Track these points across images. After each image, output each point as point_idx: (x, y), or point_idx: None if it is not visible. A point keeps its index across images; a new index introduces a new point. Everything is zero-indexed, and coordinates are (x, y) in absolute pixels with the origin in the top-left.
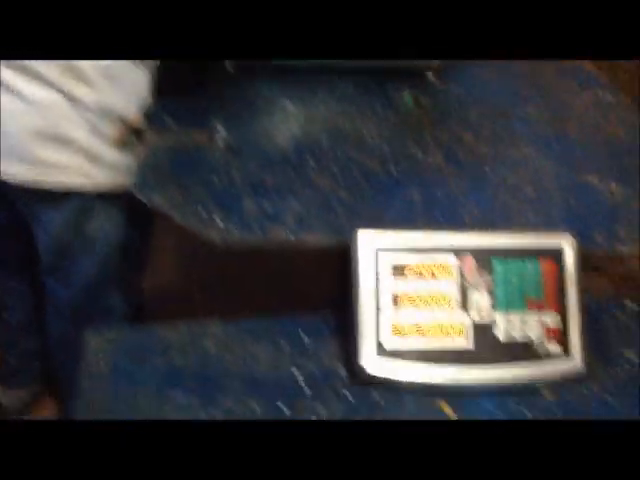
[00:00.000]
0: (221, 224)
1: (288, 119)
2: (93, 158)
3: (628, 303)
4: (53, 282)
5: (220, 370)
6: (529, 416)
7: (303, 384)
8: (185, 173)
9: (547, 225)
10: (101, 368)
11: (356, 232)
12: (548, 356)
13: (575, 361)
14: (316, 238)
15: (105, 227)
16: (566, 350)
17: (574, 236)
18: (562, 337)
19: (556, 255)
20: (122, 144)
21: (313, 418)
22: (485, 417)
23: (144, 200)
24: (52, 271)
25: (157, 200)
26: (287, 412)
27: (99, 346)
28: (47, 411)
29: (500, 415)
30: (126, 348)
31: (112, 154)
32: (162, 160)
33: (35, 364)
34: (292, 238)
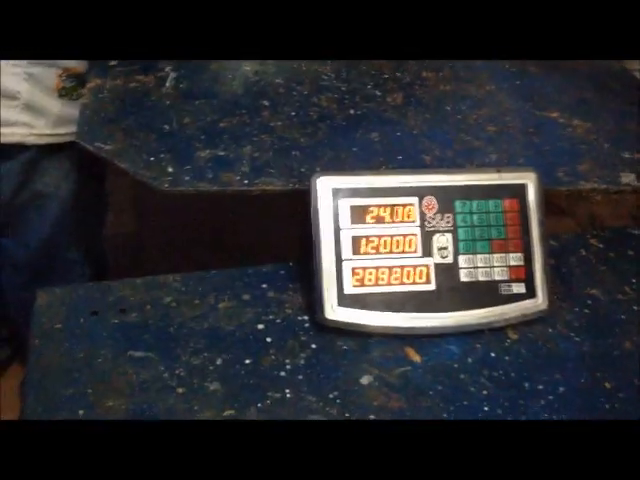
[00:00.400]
0: (172, 171)
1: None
2: (36, 110)
3: (594, 242)
4: (8, 241)
5: (181, 326)
6: (493, 356)
7: (266, 336)
8: (133, 119)
9: (509, 164)
10: (54, 328)
11: (314, 176)
12: (512, 296)
13: (539, 300)
14: (273, 184)
15: (55, 181)
16: (530, 290)
17: (536, 173)
18: (526, 277)
19: (519, 193)
20: (66, 94)
21: (278, 372)
22: (450, 360)
23: (90, 148)
24: (5, 230)
25: (103, 148)
26: (251, 366)
27: (51, 305)
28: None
29: (464, 357)
30: (80, 306)
31: (56, 105)
32: (107, 106)
33: None
34: (247, 184)
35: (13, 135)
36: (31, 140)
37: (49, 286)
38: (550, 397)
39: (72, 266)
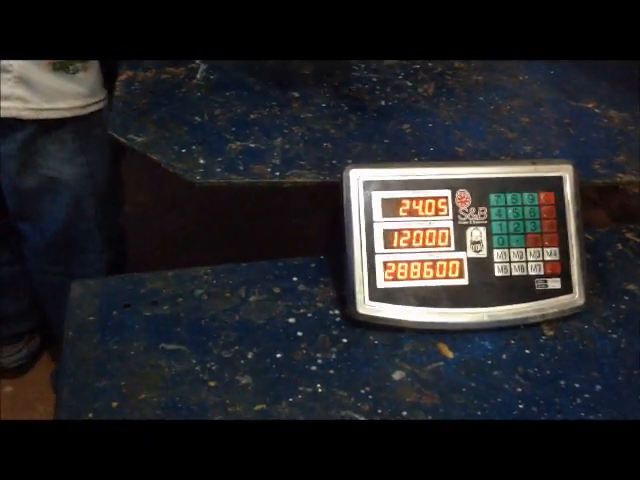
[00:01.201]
0: (203, 163)
1: None
2: (31, 84)
3: (630, 236)
4: (27, 227)
5: (212, 319)
6: (527, 352)
7: (298, 331)
8: (164, 111)
9: (544, 156)
10: (88, 320)
11: (345, 169)
12: (548, 292)
13: (575, 296)
14: (304, 176)
15: (59, 165)
16: (566, 285)
17: (572, 165)
18: (562, 272)
19: (555, 186)
20: (60, 67)
21: (309, 366)
22: (483, 356)
23: (122, 140)
24: (23, 216)
25: (135, 140)
26: (282, 360)
27: (84, 297)
28: (45, 368)
29: (498, 353)
30: (113, 299)
31: (51, 78)
32: (138, 98)
33: (24, 316)
34: (278, 176)
35: (9, 109)
36: (27, 115)
37: (70, 272)
38: (586, 395)
39: (90, 251)
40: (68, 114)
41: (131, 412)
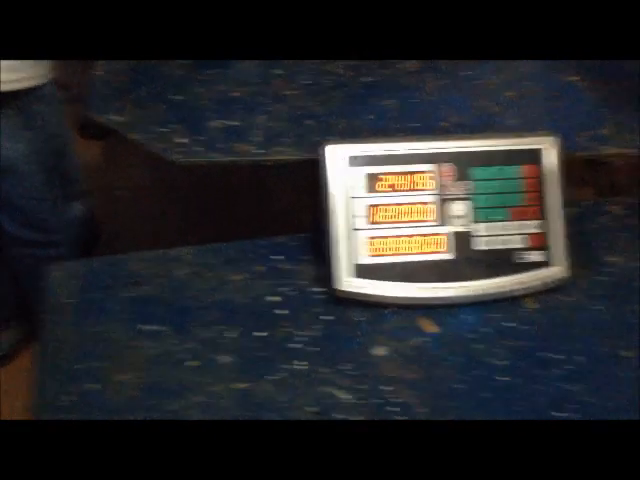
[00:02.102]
0: (184, 142)
1: None
2: None
3: (613, 209)
4: (5, 221)
5: (193, 299)
6: (510, 326)
7: (280, 309)
8: (144, 90)
9: (529, 129)
10: (67, 303)
11: (326, 145)
12: (531, 265)
13: (558, 269)
14: (287, 153)
15: (5, 137)
16: (549, 258)
17: (556, 137)
18: (545, 244)
19: (538, 158)
20: None
21: (291, 344)
22: (466, 330)
23: (101, 120)
24: None
25: (114, 120)
26: (265, 339)
27: (63, 279)
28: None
29: (481, 326)
30: (92, 281)
31: None
32: (118, 76)
33: (5, 305)
34: (261, 154)
35: None
36: None
37: (40, 255)
38: (567, 367)
39: (55, 233)
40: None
41: (109, 393)
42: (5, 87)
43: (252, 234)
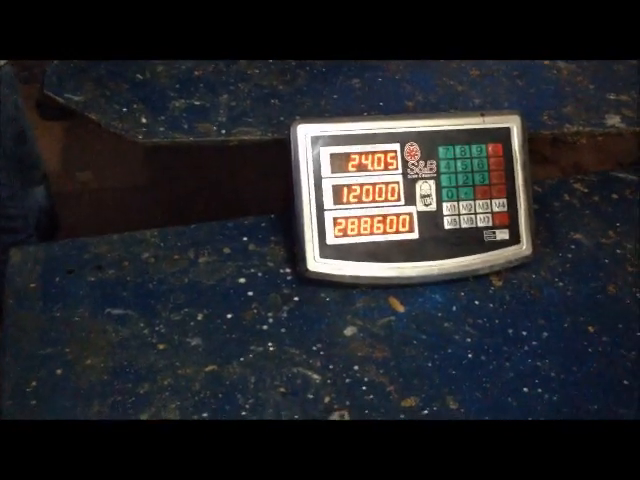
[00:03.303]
0: (146, 122)
1: None
2: None
3: (577, 186)
4: None
5: (160, 282)
6: (477, 303)
7: (248, 290)
8: (104, 68)
9: (494, 108)
10: (29, 287)
11: (292, 124)
12: (496, 243)
13: (523, 247)
14: (251, 133)
15: None
16: (514, 236)
17: (520, 116)
18: (510, 223)
19: (503, 137)
20: None
21: (260, 326)
22: (434, 308)
23: (59, 100)
24: None
25: (73, 99)
26: (233, 321)
27: (25, 263)
28: None
29: (448, 305)
30: (55, 265)
31: None
32: None
33: None
34: (224, 134)
35: None
36: None
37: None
38: (534, 343)
39: (16, 220)
40: None
41: (77, 378)
42: None
43: (218, 215)
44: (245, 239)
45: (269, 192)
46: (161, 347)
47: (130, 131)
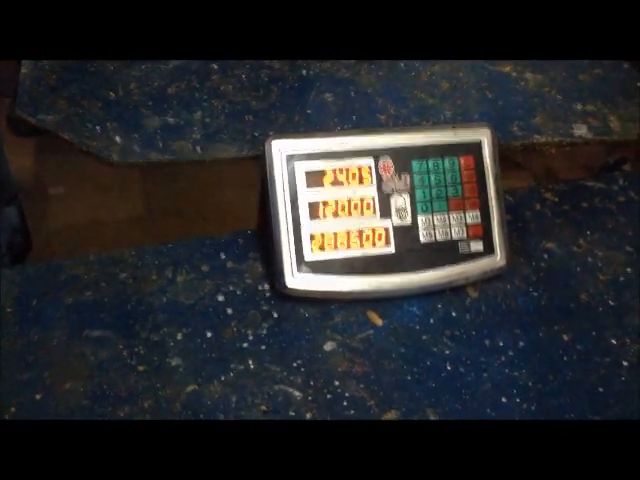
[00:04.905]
0: (120, 141)
1: None
2: None
3: (548, 196)
4: None
5: (138, 302)
6: (454, 315)
7: (227, 308)
8: (75, 87)
9: (464, 120)
10: (5, 312)
11: (267, 141)
12: (471, 255)
13: (497, 257)
14: (226, 151)
15: None
16: (488, 247)
17: (491, 128)
18: (484, 234)
19: (474, 150)
20: None
21: (240, 344)
22: (412, 321)
23: (32, 121)
24: None
25: (46, 119)
26: (213, 339)
27: (2, 287)
28: None
29: (426, 317)
30: (31, 288)
31: None
32: (47, 73)
33: None
34: (199, 152)
35: None
36: None
37: None
38: (510, 353)
39: None
40: None
41: (56, 403)
42: None
43: (194, 232)
44: (223, 256)
45: (245, 208)
46: (141, 369)
47: (104, 151)
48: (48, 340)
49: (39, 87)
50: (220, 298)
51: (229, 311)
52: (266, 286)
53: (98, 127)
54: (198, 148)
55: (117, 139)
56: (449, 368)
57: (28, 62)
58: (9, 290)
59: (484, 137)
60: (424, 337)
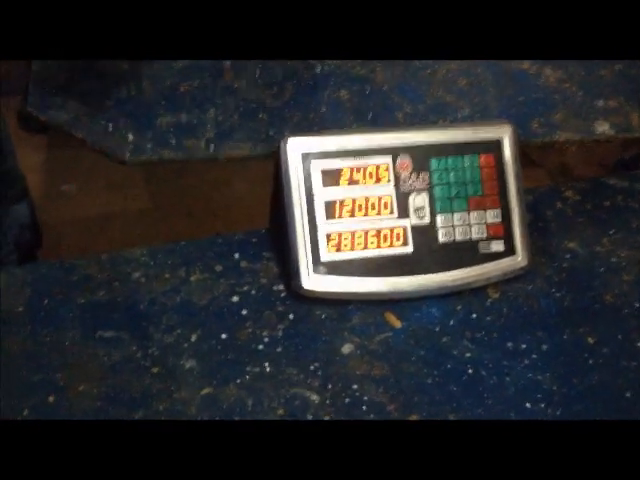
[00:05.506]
0: (132, 139)
1: None
2: None
3: (569, 194)
4: None
5: (151, 302)
6: (474, 317)
7: (242, 309)
8: (87, 85)
9: (483, 117)
10: (17, 311)
11: (283, 139)
12: (491, 255)
13: (518, 257)
14: (240, 149)
15: None
16: (509, 247)
17: (512, 126)
18: (505, 234)
19: (495, 147)
20: None
21: (256, 345)
22: (431, 323)
23: (43, 119)
24: None
25: (56, 118)
26: (228, 341)
27: (12, 286)
28: None
29: (445, 319)
30: (44, 288)
31: None
32: (58, 71)
33: None
34: (213, 150)
35: None
36: None
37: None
38: (533, 356)
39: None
40: None
41: (69, 405)
42: None
43: (204, 230)
44: (237, 255)
45: (256, 205)
46: (155, 371)
47: (117, 149)
48: (61, 341)
49: (50, 85)
50: (235, 299)
51: (244, 312)
52: (281, 286)
53: (110, 125)
54: (211, 146)
55: (129, 137)
56: (470, 371)
57: (38, 60)
58: (20, 289)
59: (505, 135)
60: (444, 339)
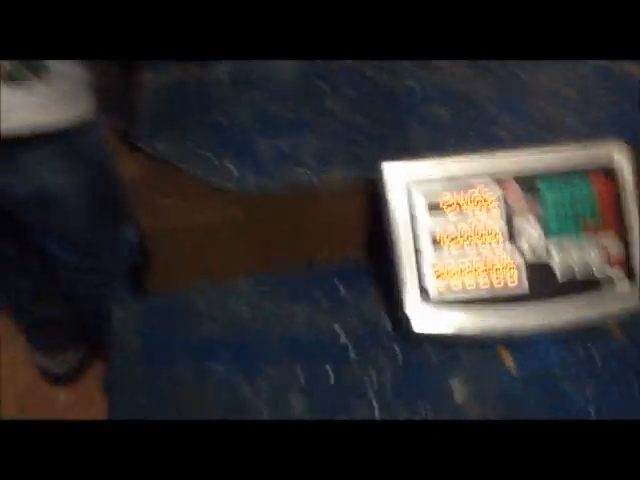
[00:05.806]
0: (234, 170)
1: None
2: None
3: None
4: (57, 249)
5: (255, 334)
6: (598, 361)
7: (347, 342)
8: (189, 115)
9: (594, 135)
10: (133, 344)
11: (382, 165)
12: (612, 285)
13: None
14: (342, 175)
15: (50, 172)
16: (631, 276)
17: (627, 143)
18: (625, 261)
19: (609, 167)
20: (13, 80)
21: (363, 386)
22: (551, 367)
23: (147, 150)
24: (47, 235)
25: (162, 149)
26: (332, 376)
27: (127, 319)
28: (93, 378)
29: (568, 361)
30: (155, 319)
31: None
32: (159, 102)
33: (64, 328)
34: (313, 177)
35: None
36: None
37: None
38: None
39: (107, 259)
40: (26, 130)
41: None
42: (56, 125)
43: (297, 255)
44: (340, 287)
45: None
46: (262, 406)
47: (219, 180)
48: (171, 373)
49: (153, 115)
50: (339, 331)
51: (349, 346)
52: (386, 319)
53: (211, 154)
54: (311, 174)
55: (230, 166)
56: (592, 416)
57: (142, 90)
58: (135, 322)
59: (619, 153)
60: (564, 383)
